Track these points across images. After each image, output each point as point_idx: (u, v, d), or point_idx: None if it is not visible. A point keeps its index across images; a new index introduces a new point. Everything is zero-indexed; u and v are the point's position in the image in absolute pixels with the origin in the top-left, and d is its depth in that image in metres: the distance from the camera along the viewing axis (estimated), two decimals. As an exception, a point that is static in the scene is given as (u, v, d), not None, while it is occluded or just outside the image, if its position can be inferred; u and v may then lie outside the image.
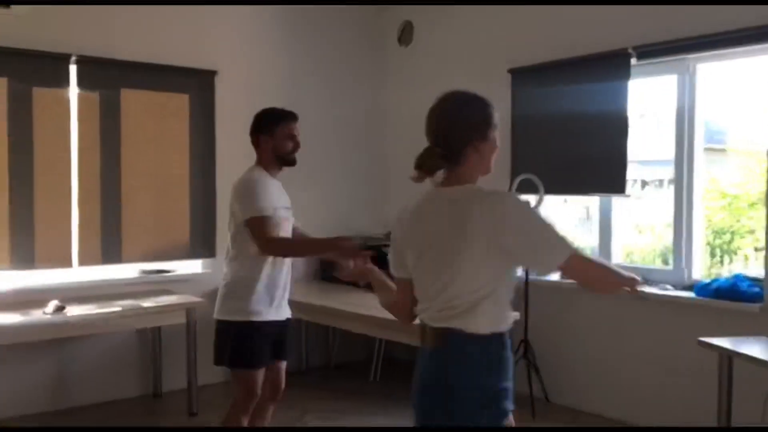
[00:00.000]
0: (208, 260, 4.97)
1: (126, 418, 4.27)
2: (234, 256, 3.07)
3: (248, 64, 5.10)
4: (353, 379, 5.03)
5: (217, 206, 4.93)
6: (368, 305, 4.34)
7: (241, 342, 2.99)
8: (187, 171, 4.86)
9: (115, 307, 4.12)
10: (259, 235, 2.94)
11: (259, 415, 3.17)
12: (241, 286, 3.01)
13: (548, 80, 4.52)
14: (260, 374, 3.05)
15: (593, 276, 1.94)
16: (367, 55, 5.73)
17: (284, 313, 3.14)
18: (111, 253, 4.56)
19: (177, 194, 4.83)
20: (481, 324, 1.88)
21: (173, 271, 4.85)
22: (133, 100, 4.61)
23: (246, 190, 3.03)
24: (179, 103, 4.83)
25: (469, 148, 1.96)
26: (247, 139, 5.22)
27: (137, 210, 4.65)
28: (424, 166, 1.96)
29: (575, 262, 1.85)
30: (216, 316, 3.10)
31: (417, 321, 2.04)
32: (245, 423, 3.09)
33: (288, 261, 3.15)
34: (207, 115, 4.92)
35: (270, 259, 3.02)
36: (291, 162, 3.18)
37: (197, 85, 4.88)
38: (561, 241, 1.85)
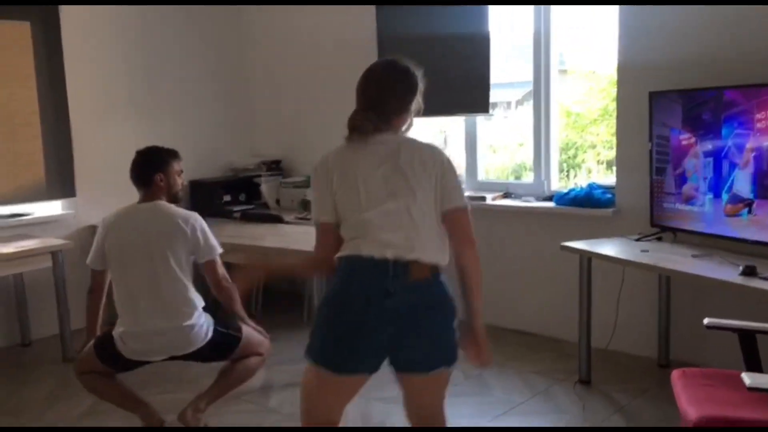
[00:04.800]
0: (67, 201, 4.69)
1: (-5, 371, 4.04)
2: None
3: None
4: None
5: (73, 142, 4.64)
6: (243, 235, 4.34)
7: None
8: (35, 106, 4.49)
9: (-29, 255, 3.83)
10: (221, 280, 3.10)
11: None
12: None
13: (412, 6, 4.57)
14: None
15: (471, 233, 2.17)
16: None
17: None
18: (-42, 199, 4.20)
19: (26, 132, 4.47)
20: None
21: (31, 214, 4.53)
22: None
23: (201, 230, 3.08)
24: (20, 32, 4.42)
25: (404, 114, 2.17)
26: (101, 69, 4.94)
27: (-17, 150, 4.28)
28: (360, 129, 2.11)
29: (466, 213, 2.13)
30: (202, 343, 2.99)
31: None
32: None
33: None
34: (53, 46, 4.54)
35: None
36: (179, 200, 3.18)
37: (39, 11, 4.47)
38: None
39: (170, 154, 3.16)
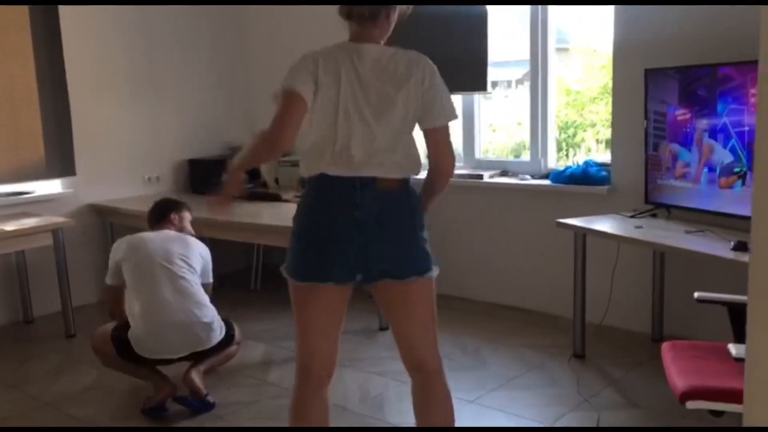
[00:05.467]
0: (68, 179, 4.72)
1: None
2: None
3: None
4: (235, 289, 5.07)
5: (72, 121, 4.66)
6: (242, 213, 4.37)
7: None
8: (34, 85, 4.50)
9: (-27, 233, 3.86)
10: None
11: None
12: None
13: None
14: None
15: (451, 149, 2.20)
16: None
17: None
18: (-42, 178, 4.24)
19: (25, 111, 4.48)
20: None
21: (31, 192, 4.57)
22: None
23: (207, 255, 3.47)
24: (17, 12, 4.42)
25: (383, 13, 2.13)
26: (100, 48, 4.95)
27: (-18, 130, 4.30)
28: (353, 13, 2.11)
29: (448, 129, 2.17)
30: (218, 339, 3.24)
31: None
32: None
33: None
34: (50, 25, 4.54)
35: None
36: None
37: (37, -9, 4.48)
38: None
39: (184, 205, 3.59)
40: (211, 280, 3.43)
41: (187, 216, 3.56)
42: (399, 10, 2.19)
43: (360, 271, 2.11)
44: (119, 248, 3.32)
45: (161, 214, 3.49)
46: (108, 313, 3.42)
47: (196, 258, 3.32)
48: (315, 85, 2.07)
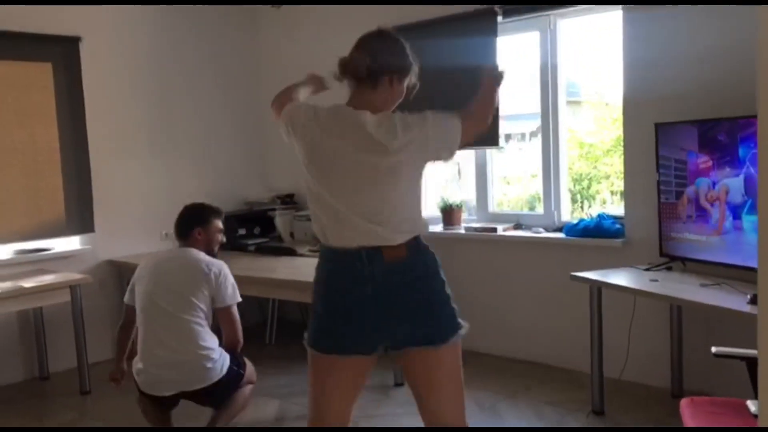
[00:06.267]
0: (87, 236, 4.79)
1: (14, 404, 4.09)
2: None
3: (114, 28, 4.88)
4: (250, 343, 5.04)
5: (92, 179, 4.75)
6: (257, 267, 4.40)
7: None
8: (56, 144, 4.62)
9: (-7, 289, 3.91)
10: (235, 325, 3.27)
11: None
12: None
13: (420, 39, 4.64)
14: None
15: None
16: (238, 18, 5.62)
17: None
18: (-19, 235, 4.30)
19: (47, 169, 4.59)
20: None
21: (51, 249, 4.64)
22: (-12, 73, 4.32)
23: (224, 277, 3.22)
24: (41, 72, 4.57)
25: (386, 78, 2.12)
26: (120, 107, 5.09)
27: (6, 188, 4.39)
28: (348, 68, 2.12)
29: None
30: (216, 378, 3.14)
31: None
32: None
33: None
34: (73, 85, 4.68)
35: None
36: (215, 255, 3.36)
37: (60, 52, 4.63)
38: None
39: (213, 212, 3.36)
40: (229, 302, 3.20)
41: (216, 226, 3.35)
42: (408, 81, 2.18)
43: (382, 342, 2.08)
44: (138, 268, 3.32)
45: (185, 230, 3.30)
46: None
47: (201, 294, 3.14)
48: (306, 146, 2.12)
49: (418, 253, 2.09)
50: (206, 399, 3.18)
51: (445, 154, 2.15)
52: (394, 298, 2.04)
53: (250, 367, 3.34)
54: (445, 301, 2.10)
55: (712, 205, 3.32)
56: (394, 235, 2.05)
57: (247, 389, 3.31)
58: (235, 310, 3.25)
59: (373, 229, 2.04)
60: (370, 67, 2.09)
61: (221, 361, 3.14)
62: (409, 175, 2.08)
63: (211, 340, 3.16)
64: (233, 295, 3.22)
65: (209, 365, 3.09)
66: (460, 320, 2.13)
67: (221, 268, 3.22)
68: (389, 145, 2.01)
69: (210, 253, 3.32)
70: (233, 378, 3.19)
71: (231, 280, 3.24)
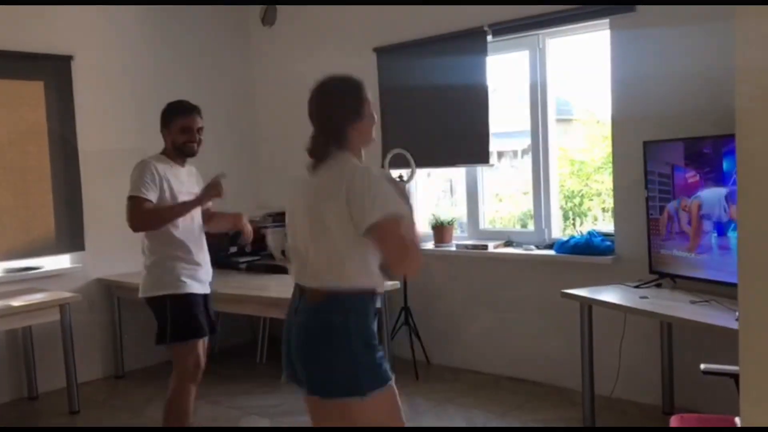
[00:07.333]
0: (77, 254, 4.77)
1: (2, 424, 4.05)
2: (150, 236, 3.22)
3: (105, 47, 4.89)
4: (240, 363, 5.04)
5: (83, 197, 4.74)
6: (248, 286, 4.39)
7: (181, 312, 3.10)
8: (47, 162, 4.62)
9: (-19, 309, 3.88)
10: (128, 215, 3.16)
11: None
12: (162, 262, 3.16)
13: (412, 58, 4.71)
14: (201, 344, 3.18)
15: (394, 247, 2.00)
16: (230, 37, 5.65)
17: (206, 288, 3.28)
18: (-30, 254, 4.29)
19: (37, 187, 4.58)
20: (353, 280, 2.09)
21: (41, 268, 4.62)
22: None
23: (132, 172, 3.21)
24: (33, 90, 4.58)
25: (349, 130, 2.13)
26: (111, 124, 5.09)
27: (-5, 206, 4.39)
28: (315, 153, 2.14)
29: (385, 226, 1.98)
30: (144, 294, 3.17)
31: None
32: (194, 392, 3.14)
33: (199, 238, 3.37)
34: (65, 103, 4.69)
35: (177, 234, 3.19)
36: (188, 153, 3.41)
37: (52, 71, 4.64)
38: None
39: (172, 111, 3.40)
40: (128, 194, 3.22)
41: (177, 125, 3.40)
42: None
43: (295, 376, 2.15)
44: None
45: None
46: None
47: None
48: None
49: (333, 305, 2.06)
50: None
51: (367, 215, 2.00)
52: (298, 334, 2.12)
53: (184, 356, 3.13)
54: (349, 359, 2.03)
55: (688, 222, 3.34)
56: (316, 280, 2.10)
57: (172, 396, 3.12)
58: (128, 203, 3.24)
59: (305, 269, 2.14)
60: (326, 142, 2.15)
61: (160, 274, 3.16)
62: (339, 225, 2.03)
63: (148, 250, 3.29)
64: (131, 186, 3.23)
65: (147, 273, 3.23)
66: (368, 388, 2.02)
67: (138, 162, 3.27)
68: (329, 190, 2.08)
69: (178, 150, 3.37)
70: (161, 312, 3.14)
71: (137, 173, 3.24)
